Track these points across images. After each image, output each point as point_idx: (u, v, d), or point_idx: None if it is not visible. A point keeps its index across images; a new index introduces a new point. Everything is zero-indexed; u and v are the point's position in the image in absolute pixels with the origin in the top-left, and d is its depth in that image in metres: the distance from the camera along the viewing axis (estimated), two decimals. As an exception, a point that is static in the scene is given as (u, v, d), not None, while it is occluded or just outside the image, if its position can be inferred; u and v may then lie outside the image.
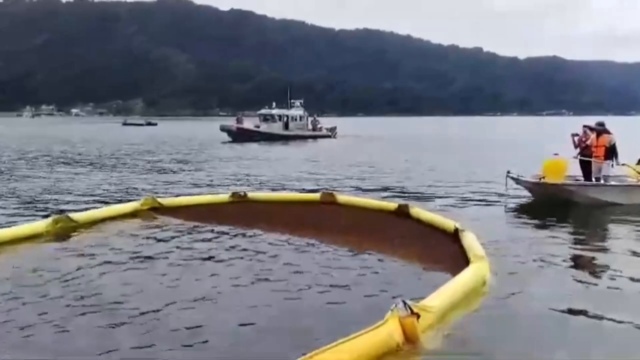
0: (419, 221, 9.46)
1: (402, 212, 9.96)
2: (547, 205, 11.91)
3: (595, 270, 7.30)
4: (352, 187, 15.64)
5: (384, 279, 6.39)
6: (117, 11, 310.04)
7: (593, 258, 7.89)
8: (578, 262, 7.77)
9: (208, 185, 16.03)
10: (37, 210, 11.43)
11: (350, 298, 5.79)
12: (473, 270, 6.20)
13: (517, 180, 12.60)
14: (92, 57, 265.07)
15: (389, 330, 4.28)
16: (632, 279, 6.72)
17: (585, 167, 12.70)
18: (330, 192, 11.82)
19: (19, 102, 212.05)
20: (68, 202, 12.52)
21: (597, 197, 11.98)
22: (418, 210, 9.80)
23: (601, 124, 12.92)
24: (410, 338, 4.41)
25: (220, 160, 25.32)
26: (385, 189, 15.05)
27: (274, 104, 46.90)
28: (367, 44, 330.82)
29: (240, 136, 40.82)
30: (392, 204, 10.49)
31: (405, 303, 4.46)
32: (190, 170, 20.33)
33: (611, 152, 12.32)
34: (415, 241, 8.32)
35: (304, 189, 14.71)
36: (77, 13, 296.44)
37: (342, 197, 11.40)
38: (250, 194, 11.90)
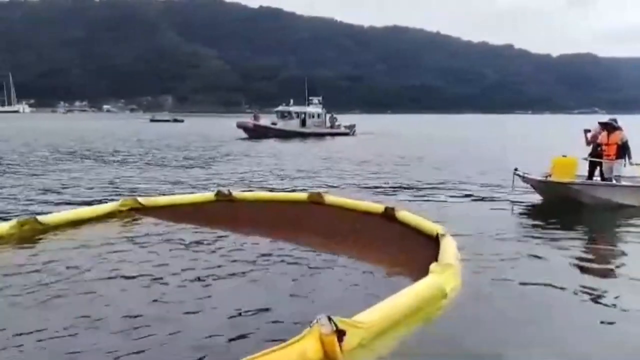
0: (404, 224, 9.11)
1: (388, 214, 9.65)
2: (554, 206, 11.47)
3: (593, 289, 6.43)
4: (353, 184, 15.41)
5: (343, 287, 6.07)
6: (149, 9, 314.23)
7: (591, 269, 7.32)
8: (572, 276, 6.91)
9: (207, 182, 15.72)
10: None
11: (294, 306, 5.47)
12: (430, 281, 5.72)
13: (524, 178, 12.06)
14: (124, 54, 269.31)
15: (303, 348, 3.89)
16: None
17: (591, 167, 12.02)
18: (318, 192, 11.49)
19: (54, 98, 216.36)
20: (46, 202, 12.24)
21: (606, 197, 11.38)
22: (404, 213, 9.45)
23: (614, 120, 12.16)
24: (330, 357, 4.01)
25: (228, 157, 25.07)
26: (391, 188, 14.80)
27: (291, 101, 46.54)
28: (395, 41, 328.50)
29: (256, 133, 40.55)
30: (379, 206, 10.14)
31: (330, 318, 4.04)
32: (190, 168, 20.13)
33: (623, 151, 11.61)
34: (395, 246, 8.01)
35: (305, 187, 14.48)
36: (110, 10, 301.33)
37: (329, 198, 11.10)
38: (236, 193, 11.61)
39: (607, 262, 7.75)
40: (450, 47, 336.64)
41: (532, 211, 11.51)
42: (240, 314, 5.21)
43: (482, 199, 12.80)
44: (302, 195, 11.38)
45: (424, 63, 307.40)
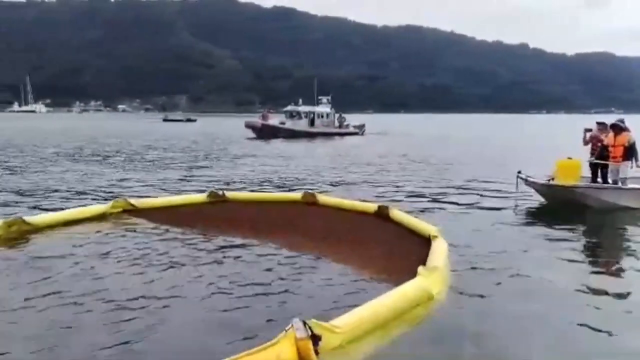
0: (397, 224, 9.01)
1: (381, 214, 9.56)
2: (558, 209, 11.16)
3: (594, 291, 6.22)
4: (352, 184, 15.29)
5: (327, 289, 5.94)
6: (164, 9, 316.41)
7: (591, 273, 7.08)
8: (569, 282, 6.56)
9: (207, 182, 15.54)
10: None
11: (274, 309, 5.36)
12: (416, 284, 5.56)
13: (527, 181, 11.78)
14: (139, 54, 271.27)
15: (277, 353, 3.84)
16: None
17: (594, 169, 11.64)
18: (311, 192, 11.34)
19: (70, 98, 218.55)
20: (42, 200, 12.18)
21: (611, 201, 11.07)
22: (398, 213, 9.35)
23: (621, 121, 11.76)
24: (305, 362, 3.92)
25: (232, 157, 24.97)
26: (396, 187, 14.69)
27: (300, 100, 46.33)
28: (409, 40, 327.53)
29: (264, 133, 40.42)
30: (372, 206, 10.06)
31: (305, 323, 3.98)
32: (193, 168, 20.04)
33: (630, 152, 11.23)
34: (386, 246, 7.89)
35: (304, 187, 14.17)
36: (125, 11, 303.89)
37: (323, 198, 11.05)
38: (229, 194, 11.47)
39: (610, 268, 7.41)
40: (464, 46, 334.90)
41: (534, 214, 11.23)
42: (217, 316, 5.18)
43: (485, 201, 12.54)
44: (296, 196, 11.30)
45: (438, 62, 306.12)
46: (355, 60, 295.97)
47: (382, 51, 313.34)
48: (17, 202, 11.88)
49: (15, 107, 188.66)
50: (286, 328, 3.93)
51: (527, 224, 10.17)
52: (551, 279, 6.48)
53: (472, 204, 12.08)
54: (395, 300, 5.15)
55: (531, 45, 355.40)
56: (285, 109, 46.32)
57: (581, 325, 5.16)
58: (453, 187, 14.56)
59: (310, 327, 3.99)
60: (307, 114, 44.72)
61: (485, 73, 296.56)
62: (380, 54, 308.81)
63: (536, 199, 12.00)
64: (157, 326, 4.90)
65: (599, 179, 11.63)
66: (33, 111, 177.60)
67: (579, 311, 5.55)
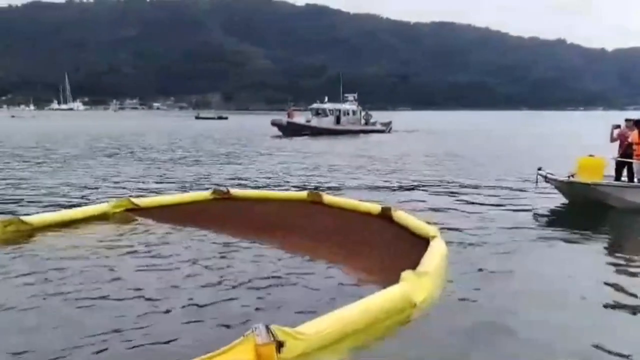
0: (400, 226, 8.75)
1: (385, 215, 9.32)
2: (578, 208, 10.82)
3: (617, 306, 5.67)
4: (365, 182, 15.09)
5: (311, 293, 5.81)
6: (197, 8, 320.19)
7: (610, 284, 6.40)
8: (579, 292, 6.05)
9: (223, 179, 15.52)
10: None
11: (252, 310, 5.28)
12: (397, 290, 5.28)
13: (546, 178, 11.39)
14: (174, 53, 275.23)
15: (234, 359, 3.69)
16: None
17: (619, 167, 11.07)
18: (317, 191, 11.13)
19: (107, 96, 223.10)
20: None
21: (635, 200, 10.55)
22: (401, 214, 9.09)
23: None
24: (266, 369, 3.78)
25: (252, 154, 24.98)
26: (411, 186, 14.48)
27: (326, 98, 46.06)
28: (442, 37, 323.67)
29: (290, 130, 40.30)
30: (376, 207, 9.78)
31: (267, 328, 3.83)
32: (212, 165, 20.09)
33: (655, 151, 10.73)
34: (385, 249, 7.67)
35: (321, 185, 14.30)
36: (160, 10, 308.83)
37: (328, 197, 10.80)
38: (234, 191, 11.31)
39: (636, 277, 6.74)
40: (499, 42, 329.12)
41: (552, 214, 10.81)
42: (195, 312, 5.19)
43: (503, 199, 12.19)
44: (302, 195, 11.11)
45: (473, 59, 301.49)
46: (388, 57, 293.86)
47: (414, 48, 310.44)
48: (15, 201, 11.95)
49: (55, 105, 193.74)
50: (245, 333, 3.77)
51: (543, 224, 9.77)
52: (562, 288, 6.04)
53: (489, 202, 11.76)
54: (371, 307, 4.88)
55: (568, 41, 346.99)
56: (311, 106, 46.16)
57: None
58: (471, 186, 14.24)
59: (273, 333, 3.82)
60: (332, 111, 44.43)
61: (521, 69, 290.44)
62: (412, 51, 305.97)
63: (557, 198, 11.54)
64: (143, 320, 4.93)
65: (624, 178, 11.10)
66: (71, 109, 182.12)
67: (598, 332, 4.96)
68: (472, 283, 6.16)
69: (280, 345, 3.85)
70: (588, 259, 7.40)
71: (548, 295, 5.82)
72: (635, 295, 5.87)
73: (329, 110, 44.41)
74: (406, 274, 5.58)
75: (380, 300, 5.06)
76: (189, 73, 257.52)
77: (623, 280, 6.47)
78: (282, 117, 43.46)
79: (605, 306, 5.61)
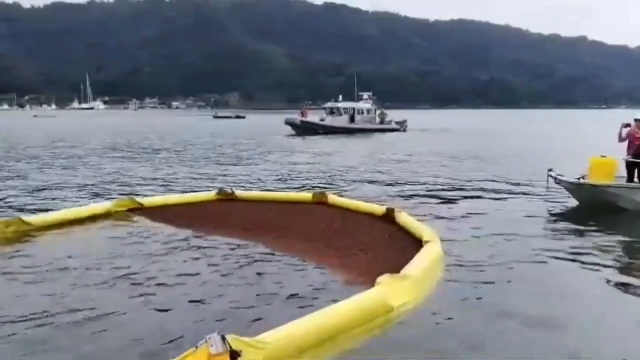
0: (401, 228, 8.71)
1: (389, 217, 9.30)
2: (589, 211, 10.54)
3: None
4: (373, 182, 15.08)
5: (293, 299, 5.67)
6: (217, 7, 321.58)
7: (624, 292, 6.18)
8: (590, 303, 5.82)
9: (230, 180, 15.57)
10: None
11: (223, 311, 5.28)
12: (370, 295, 5.15)
13: (556, 180, 11.15)
14: (194, 53, 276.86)
15: None
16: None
17: (631, 168, 10.83)
18: (322, 192, 11.08)
19: (128, 96, 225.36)
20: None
21: None
22: (404, 216, 9.04)
23: None
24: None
25: (262, 154, 25.02)
26: (419, 186, 14.35)
27: (340, 97, 45.89)
28: (462, 35, 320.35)
29: (304, 130, 40.24)
30: (380, 208, 9.76)
31: (223, 337, 3.73)
32: (220, 165, 20.13)
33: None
34: (384, 252, 7.58)
35: (327, 185, 14.30)
36: (180, 10, 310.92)
37: (333, 198, 10.81)
38: (239, 192, 11.34)
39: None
40: (520, 40, 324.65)
41: (561, 217, 10.49)
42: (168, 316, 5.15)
43: (512, 201, 12.04)
44: (307, 196, 11.10)
45: (493, 57, 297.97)
46: (407, 55, 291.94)
47: (434, 46, 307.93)
48: (18, 202, 12.06)
49: (76, 104, 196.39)
50: (199, 343, 3.68)
51: (550, 229, 9.44)
52: (561, 304, 5.71)
53: (498, 205, 11.60)
54: (342, 313, 4.73)
55: (590, 38, 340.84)
56: (325, 105, 46.05)
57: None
58: (482, 187, 14.08)
59: (229, 343, 3.72)
60: (347, 110, 44.24)
61: (543, 67, 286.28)
62: (432, 49, 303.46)
63: (568, 200, 11.31)
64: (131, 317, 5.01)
65: (637, 179, 10.86)
66: (92, 108, 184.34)
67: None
68: (463, 290, 5.97)
69: (236, 355, 3.75)
70: (597, 268, 6.99)
71: (538, 311, 5.44)
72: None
73: (343, 109, 44.18)
74: (383, 278, 5.41)
75: (352, 305, 4.88)
76: (209, 73, 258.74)
77: (635, 289, 6.17)
78: (296, 116, 43.39)
79: (615, 327, 5.24)
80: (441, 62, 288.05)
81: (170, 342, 4.52)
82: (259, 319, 4.94)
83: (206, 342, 3.69)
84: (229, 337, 3.75)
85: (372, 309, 4.94)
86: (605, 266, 6.99)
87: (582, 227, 9.28)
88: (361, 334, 4.75)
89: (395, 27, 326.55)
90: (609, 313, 5.43)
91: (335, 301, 5.01)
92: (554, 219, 10.35)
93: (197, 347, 3.67)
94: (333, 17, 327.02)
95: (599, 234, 8.73)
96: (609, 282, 6.34)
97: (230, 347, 3.71)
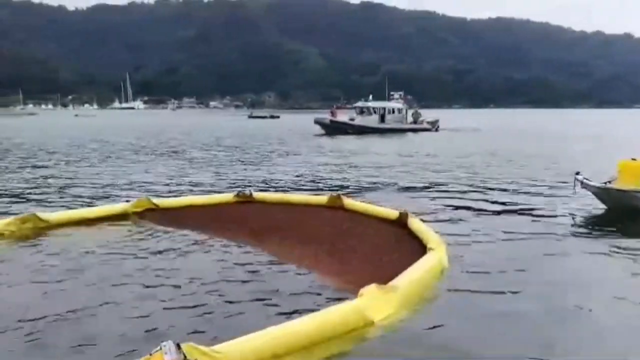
0: (411, 233, 8.48)
1: (401, 221, 9.11)
2: (618, 216, 9.95)
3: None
4: (393, 184, 14.93)
5: (270, 304, 5.54)
6: (253, 7, 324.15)
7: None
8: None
9: (253, 181, 15.70)
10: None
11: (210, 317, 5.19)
12: (348, 307, 4.88)
13: (583, 184, 10.72)
14: (231, 53, 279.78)
15: None
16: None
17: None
18: (338, 195, 10.98)
19: (167, 95, 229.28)
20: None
21: None
22: (415, 221, 8.81)
23: None
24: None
25: (288, 154, 25.06)
26: (440, 190, 13.98)
27: (370, 96, 45.59)
28: (499, 33, 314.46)
29: (333, 129, 40.11)
30: (393, 212, 9.55)
31: (178, 345, 3.65)
32: (244, 164, 20.15)
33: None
34: (390, 258, 7.33)
35: (347, 187, 14.24)
36: (217, 10, 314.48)
37: (348, 202, 10.67)
38: (257, 194, 11.35)
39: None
40: (560, 38, 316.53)
41: (587, 223, 9.93)
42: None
43: (536, 206, 11.40)
44: (322, 199, 11.02)
45: (531, 56, 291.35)
46: (443, 54, 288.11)
47: (471, 45, 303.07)
48: (36, 197, 12.41)
49: (116, 104, 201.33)
50: (152, 351, 3.62)
51: (574, 236, 8.82)
52: (570, 320, 5.30)
53: (519, 209, 11.14)
54: (315, 325, 4.48)
55: (636, 35, 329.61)
56: (356, 104, 45.84)
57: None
58: (506, 190, 13.72)
59: (184, 351, 3.65)
60: (377, 109, 43.87)
61: (584, 66, 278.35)
62: (469, 48, 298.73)
63: (596, 205, 10.77)
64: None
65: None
66: (132, 108, 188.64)
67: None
68: (461, 302, 5.66)
69: None
70: (621, 282, 6.57)
71: (538, 332, 4.98)
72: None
73: (373, 108, 43.87)
74: (366, 289, 5.10)
75: (326, 317, 4.63)
76: (245, 72, 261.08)
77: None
78: (326, 116, 43.27)
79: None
80: (477, 60, 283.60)
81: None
82: (229, 327, 4.75)
83: (160, 349, 3.64)
84: (183, 345, 3.69)
85: (347, 322, 4.68)
86: (632, 287, 6.48)
87: (607, 235, 8.86)
88: (330, 348, 4.48)
89: (431, 26, 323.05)
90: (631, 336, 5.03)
91: (312, 311, 4.81)
92: (578, 225, 9.87)
93: (150, 354, 3.63)
94: (369, 15, 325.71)
95: (624, 243, 8.19)
96: (635, 304, 5.82)
97: (185, 356, 3.65)
